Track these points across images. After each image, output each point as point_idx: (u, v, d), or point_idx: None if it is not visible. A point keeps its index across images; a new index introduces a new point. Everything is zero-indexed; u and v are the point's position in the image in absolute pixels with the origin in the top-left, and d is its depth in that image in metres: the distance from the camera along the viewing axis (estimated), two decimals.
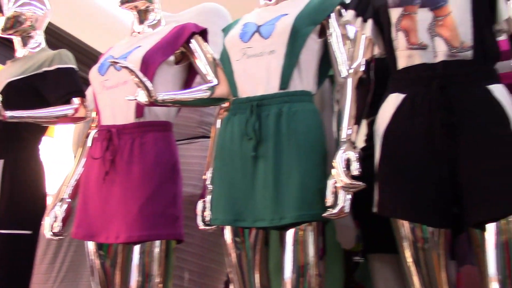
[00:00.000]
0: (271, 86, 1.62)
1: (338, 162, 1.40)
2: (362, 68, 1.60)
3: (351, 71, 1.60)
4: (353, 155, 1.41)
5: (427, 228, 1.39)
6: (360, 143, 1.99)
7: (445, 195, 1.37)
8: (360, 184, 1.38)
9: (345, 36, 1.70)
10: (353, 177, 1.41)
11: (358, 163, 1.39)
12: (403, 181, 1.40)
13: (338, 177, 1.40)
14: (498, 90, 1.38)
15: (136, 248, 1.64)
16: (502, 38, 1.55)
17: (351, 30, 1.70)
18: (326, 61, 1.73)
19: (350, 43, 1.68)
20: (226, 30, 1.87)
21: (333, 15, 1.72)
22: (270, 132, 1.57)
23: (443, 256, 1.41)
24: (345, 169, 1.39)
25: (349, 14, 1.63)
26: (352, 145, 1.46)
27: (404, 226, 1.41)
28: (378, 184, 1.46)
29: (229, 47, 1.74)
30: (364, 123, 1.82)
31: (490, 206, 1.30)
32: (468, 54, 1.38)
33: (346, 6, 1.71)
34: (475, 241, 1.36)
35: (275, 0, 1.81)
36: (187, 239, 1.95)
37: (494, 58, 1.44)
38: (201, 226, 1.77)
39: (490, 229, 1.31)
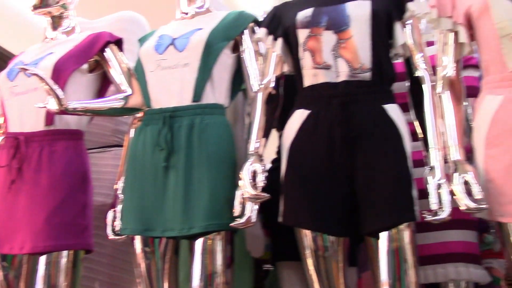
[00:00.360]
0: (184, 98, 1.66)
1: (245, 174, 1.46)
2: (272, 84, 1.67)
3: (262, 86, 1.67)
4: (259, 168, 1.47)
5: (328, 237, 1.48)
6: (272, 154, 2.08)
7: (345, 206, 1.47)
8: (264, 195, 1.44)
9: (257, 53, 1.77)
10: (263, 189, 1.47)
11: (264, 175, 1.46)
12: (305, 193, 1.48)
13: (244, 188, 1.45)
14: (392, 109, 1.50)
15: (42, 259, 1.61)
16: (399, 61, 1.68)
17: (263, 47, 1.78)
18: (239, 76, 1.80)
19: (262, 59, 1.75)
20: (142, 41, 1.89)
21: (246, 32, 1.78)
22: (181, 143, 1.61)
23: (341, 263, 1.50)
24: (251, 180, 1.45)
25: (261, 32, 1.70)
26: (259, 157, 1.52)
27: (307, 236, 1.49)
28: (283, 195, 1.53)
29: (143, 58, 1.76)
30: (276, 136, 1.90)
31: (383, 216, 1.41)
32: (367, 75, 1.49)
33: (259, 24, 1.78)
34: (370, 248, 1.46)
35: (191, 14, 1.85)
36: (98, 249, 1.93)
37: (390, 80, 1.56)
38: (110, 236, 1.77)
39: (383, 237, 1.42)
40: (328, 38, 1.51)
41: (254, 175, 1.47)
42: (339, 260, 1.50)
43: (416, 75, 1.59)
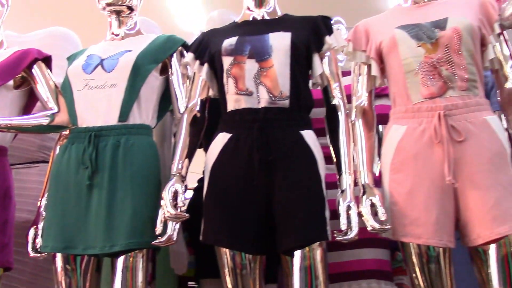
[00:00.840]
0: (111, 118, 1.69)
1: (166, 194, 1.51)
2: (198, 107, 1.74)
3: (187, 108, 1.73)
4: (180, 188, 1.53)
5: (245, 255, 1.55)
6: (200, 174, 2.13)
7: (262, 225, 1.55)
8: (184, 215, 1.50)
9: (185, 76, 1.84)
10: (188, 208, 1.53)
11: (184, 196, 1.51)
12: (224, 213, 1.55)
13: (165, 208, 1.50)
14: (308, 135, 1.60)
15: None
16: (318, 88, 1.79)
17: (190, 70, 1.84)
18: (166, 97, 1.85)
19: (189, 82, 1.82)
20: (70, 59, 1.91)
21: (175, 55, 1.85)
22: (106, 162, 1.64)
23: (258, 280, 1.57)
24: (171, 200, 1.50)
25: (188, 56, 1.77)
26: (181, 178, 1.57)
27: (226, 254, 1.56)
28: (204, 214, 1.59)
29: (71, 77, 1.78)
30: (203, 156, 1.96)
31: (297, 235, 1.50)
32: (286, 102, 1.59)
33: (187, 48, 1.85)
34: (286, 265, 1.55)
35: (121, 36, 1.89)
36: (19, 266, 1.91)
37: (307, 107, 1.67)
38: (31, 253, 1.76)
39: (297, 255, 1.51)
40: (250, 66, 1.60)
41: (174, 195, 1.52)
42: (256, 277, 1.57)
43: (332, 103, 1.70)
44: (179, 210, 1.49)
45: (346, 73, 2.11)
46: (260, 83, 1.59)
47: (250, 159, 1.55)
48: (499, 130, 1.54)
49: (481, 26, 1.62)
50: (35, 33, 2.50)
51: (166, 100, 1.87)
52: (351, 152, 1.64)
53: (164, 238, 1.54)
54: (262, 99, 1.58)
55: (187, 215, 1.50)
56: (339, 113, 1.69)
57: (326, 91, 1.73)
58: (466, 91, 1.55)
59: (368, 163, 1.64)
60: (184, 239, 1.95)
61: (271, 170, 1.54)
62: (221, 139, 1.61)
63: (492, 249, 1.47)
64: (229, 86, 1.62)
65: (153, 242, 1.54)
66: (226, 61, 1.63)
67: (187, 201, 1.58)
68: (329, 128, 1.71)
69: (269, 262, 1.69)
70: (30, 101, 1.90)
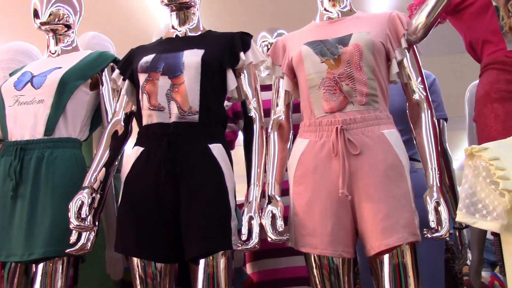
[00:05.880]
0: (37, 132, 1.79)
1: (72, 205, 1.59)
2: (121, 121, 1.82)
3: (111, 122, 1.82)
4: (86, 200, 1.60)
5: (156, 265, 1.62)
6: None
7: (171, 235, 1.62)
8: (86, 226, 1.58)
9: (115, 90, 1.92)
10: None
11: (87, 208, 1.59)
12: (134, 223, 1.62)
13: (70, 218, 1.58)
14: (216, 148, 1.66)
15: None
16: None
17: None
18: (100, 111, 1.94)
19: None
20: (11, 75, 2.02)
21: (106, 70, 1.94)
22: (30, 175, 1.74)
23: (169, 285, 1.65)
24: (76, 211, 1.58)
25: (115, 72, 1.86)
26: (91, 191, 1.65)
27: (137, 264, 1.63)
28: (116, 225, 1.67)
29: (4, 93, 1.89)
30: None
31: (200, 244, 1.57)
32: (195, 117, 1.65)
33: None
34: (192, 273, 1.61)
35: (58, 53, 1.99)
36: None
37: (218, 121, 1.73)
38: None
39: (201, 263, 1.58)
40: (163, 82, 1.67)
41: (80, 206, 1.59)
42: (168, 286, 1.64)
43: (249, 115, 1.77)
44: (86, 222, 1.57)
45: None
46: (171, 99, 1.66)
47: (158, 172, 1.62)
48: (395, 143, 1.58)
49: (386, 41, 1.66)
50: None
51: (99, 113, 1.95)
52: (262, 164, 1.70)
53: (76, 247, 1.63)
54: (173, 114, 1.66)
55: (91, 225, 1.58)
56: (254, 126, 1.75)
57: (244, 104, 1.79)
58: (365, 106, 1.59)
59: (277, 175, 1.70)
60: None
61: (178, 183, 1.61)
62: (134, 152, 1.69)
63: (386, 259, 1.51)
64: (144, 101, 1.70)
65: (67, 250, 1.63)
66: (142, 77, 1.71)
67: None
68: (245, 139, 1.77)
69: (184, 268, 1.76)
70: None
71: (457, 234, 2.14)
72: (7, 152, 1.80)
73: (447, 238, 2.24)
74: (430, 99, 1.88)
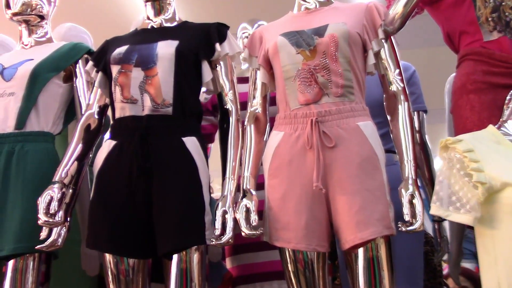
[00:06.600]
0: (8, 125, 1.75)
1: (40, 200, 1.55)
2: (95, 114, 1.78)
3: (84, 114, 1.78)
4: (55, 195, 1.57)
5: (128, 260, 1.59)
6: None
7: (143, 230, 1.59)
8: (54, 221, 1.54)
9: (89, 83, 1.88)
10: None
11: (57, 203, 1.56)
12: (107, 218, 1.59)
13: (38, 214, 1.55)
14: (190, 141, 1.63)
15: None
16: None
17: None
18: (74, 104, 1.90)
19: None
20: None
21: (80, 62, 1.90)
22: (0, 169, 1.69)
23: (141, 284, 1.62)
24: (44, 206, 1.55)
25: (88, 64, 1.82)
26: (61, 185, 1.61)
27: (110, 260, 1.60)
28: (88, 220, 1.64)
29: None
30: None
31: (173, 239, 1.54)
32: (169, 110, 1.62)
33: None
34: (166, 267, 1.58)
35: (30, 45, 1.95)
36: None
37: (194, 114, 1.70)
38: None
39: (174, 258, 1.56)
40: (136, 74, 1.64)
41: (49, 202, 1.56)
42: (139, 281, 1.61)
43: (225, 107, 1.74)
44: (57, 217, 1.54)
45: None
46: (144, 91, 1.63)
47: (131, 166, 1.59)
48: (370, 135, 1.56)
49: (363, 31, 1.64)
50: None
51: (74, 106, 1.92)
52: (238, 158, 1.68)
53: (47, 243, 1.60)
54: (146, 107, 1.62)
55: (59, 221, 1.55)
56: (230, 118, 1.72)
57: (220, 96, 1.76)
58: (340, 97, 1.57)
59: (253, 168, 1.67)
60: None
61: (151, 177, 1.58)
62: (107, 146, 1.65)
63: (360, 253, 1.50)
64: (116, 94, 1.66)
65: (37, 247, 1.60)
66: (114, 69, 1.67)
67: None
68: (220, 132, 1.75)
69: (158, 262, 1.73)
70: None
71: (436, 226, 2.13)
72: None
73: (427, 231, 2.24)
74: (409, 91, 1.86)
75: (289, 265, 1.57)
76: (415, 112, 2.08)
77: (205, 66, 1.71)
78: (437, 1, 1.72)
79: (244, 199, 1.57)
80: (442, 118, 2.25)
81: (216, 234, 1.52)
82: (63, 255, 1.83)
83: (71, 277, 2.00)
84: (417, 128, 2.09)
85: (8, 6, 1.90)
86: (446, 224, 2.17)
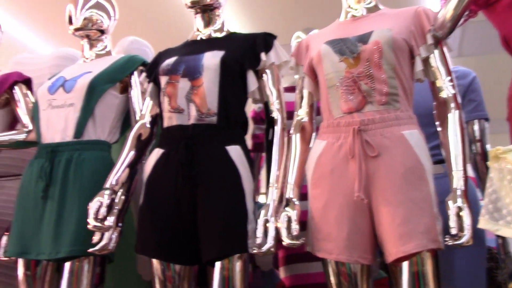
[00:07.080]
0: (67, 135, 1.86)
1: (91, 206, 1.62)
2: (147, 123, 1.85)
3: (137, 123, 1.85)
4: (105, 201, 1.63)
5: (175, 267, 1.63)
6: None
7: (189, 238, 1.62)
8: (103, 226, 1.61)
9: (143, 94, 1.96)
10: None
11: (105, 209, 1.62)
12: (155, 225, 1.63)
13: (88, 219, 1.62)
14: (234, 150, 1.65)
15: None
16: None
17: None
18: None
19: None
20: (50, 79, 2.10)
21: (135, 74, 1.98)
22: (59, 176, 1.80)
23: (191, 286, 1.66)
24: (94, 212, 1.62)
25: (142, 76, 1.90)
26: (112, 192, 1.67)
27: (157, 266, 1.65)
28: (137, 226, 1.70)
29: (39, 97, 1.97)
30: None
31: (216, 247, 1.56)
32: (214, 119, 1.65)
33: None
34: (209, 274, 1.62)
35: (91, 58, 2.06)
36: None
37: (238, 123, 1.72)
38: (2, 257, 1.96)
39: (217, 266, 1.58)
40: (183, 85, 1.69)
41: (98, 207, 1.63)
42: (185, 286, 1.65)
43: (271, 116, 1.75)
44: (107, 222, 1.61)
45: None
46: (190, 100, 1.67)
47: (176, 174, 1.63)
48: (416, 144, 1.49)
49: (410, 37, 1.58)
50: (45, 55, 2.75)
51: (130, 116, 2.00)
52: (282, 167, 1.67)
53: (98, 247, 1.67)
54: (192, 116, 1.66)
55: (107, 226, 1.61)
56: (276, 127, 1.73)
57: (267, 105, 1.77)
58: (385, 105, 1.52)
59: (297, 178, 1.66)
60: None
61: (195, 185, 1.61)
62: (155, 154, 1.71)
63: (404, 267, 1.44)
64: (165, 104, 1.72)
65: (89, 250, 1.68)
66: (163, 80, 1.73)
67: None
68: (266, 141, 1.75)
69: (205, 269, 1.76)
70: (14, 119, 2.12)
71: (500, 241, 2.00)
72: (40, 154, 1.88)
73: (492, 246, 2.11)
74: (469, 98, 1.77)
75: (331, 277, 1.54)
76: (476, 121, 1.98)
77: (250, 76, 1.73)
78: (492, 4, 1.63)
79: (286, 208, 1.56)
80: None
81: (257, 242, 1.52)
82: (120, 258, 1.91)
83: (127, 280, 2.09)
84: (478, 138, 1.98)
85: (70, 22, 2.02)
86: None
